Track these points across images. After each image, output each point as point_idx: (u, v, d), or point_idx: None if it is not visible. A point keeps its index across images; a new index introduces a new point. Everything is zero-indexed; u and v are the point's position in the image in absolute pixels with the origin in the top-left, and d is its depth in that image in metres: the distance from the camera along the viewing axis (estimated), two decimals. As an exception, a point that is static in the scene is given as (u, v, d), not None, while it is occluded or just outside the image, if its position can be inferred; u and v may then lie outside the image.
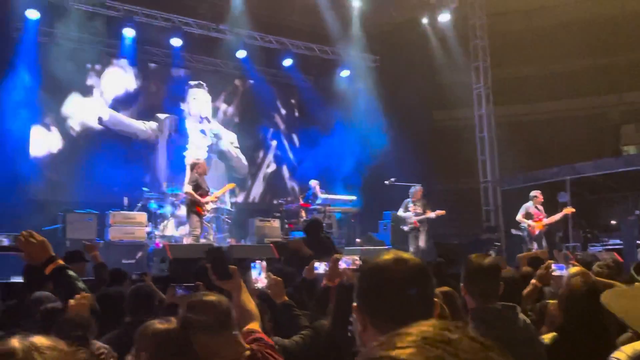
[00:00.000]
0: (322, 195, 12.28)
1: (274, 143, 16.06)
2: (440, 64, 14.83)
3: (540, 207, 11.42)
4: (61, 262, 2.76)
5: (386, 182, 11.60)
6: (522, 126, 16.16)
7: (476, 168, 15.06)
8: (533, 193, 11.52)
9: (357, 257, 3.36)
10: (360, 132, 15.98)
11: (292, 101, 16.47)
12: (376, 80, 15.45)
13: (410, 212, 11.27)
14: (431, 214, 11.17)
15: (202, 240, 9.87)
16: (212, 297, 2.43)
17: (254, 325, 2.65)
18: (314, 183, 12.87)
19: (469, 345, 0.84)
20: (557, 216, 11.32)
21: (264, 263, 3.57)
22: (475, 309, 2.86)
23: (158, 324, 2.24)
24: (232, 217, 12.57)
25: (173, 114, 14.52)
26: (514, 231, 13.65)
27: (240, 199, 15.07)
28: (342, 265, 3.32)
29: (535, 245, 11.05)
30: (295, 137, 16.38)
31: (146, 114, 14.13)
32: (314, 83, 16.12)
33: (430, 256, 9.35)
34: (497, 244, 13.02)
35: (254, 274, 3.52)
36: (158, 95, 14.43)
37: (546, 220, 11.25)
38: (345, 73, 15.86)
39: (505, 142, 14.69)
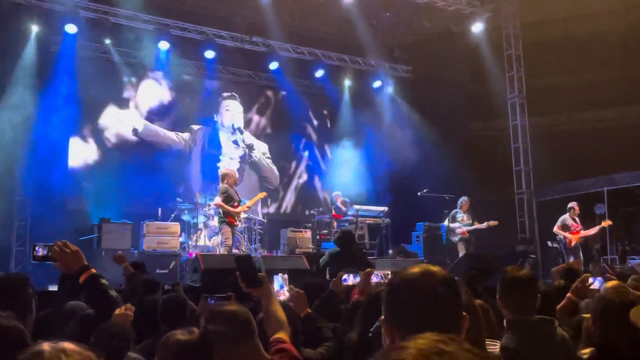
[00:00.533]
0: (354, 206, 12.25)
1: (306, 154, 16.11)
2: (475, 73, 14.70)
3: (577, 219, 11.25)
4: (94, 271, 2.81)
5: (419, 193, 11.53)
6: (558, 136, 15.89)
7: (511, 179, 14.85)
8: (570, 205, 11.37)
9: (389, 272, 3.35)
10: (393, 142, 15.93)
11: (324, 112, 16.51)
12: (409, 90, 15.40)
13: (458, 223, 11.32)
14: (482, 225, 11.21)
15: (235, 251, 9.93)
16: (232, 307, 2.43)
17: (283, 335, 2.65)
18: (336, 194, 12.84)
19: (464, 356, 0.85)
20: (595, 229, 11.16)
21: (286, 276, 3.58)
22: (512, 321, 2.83)
23: (179, 335, 2.25)
24: (264, 227, 12.64)
25: (206, 125, 14.70)
26: (550, 243, 13.41)
27: (272, 209, 15.15)
28: (374, 279, 3.32)
29: (571, 258, 10.88)
30: (327, 148, 16.41)
31: (180, 126, 14.34)
32: (346, 94, 16.14)
33: (462, 268, 9.23)
34: (532, 256, 12.79)
35: (275, 286, 3.53)
36: (192, 106, 14.63)
37: (583, 233, 11.10)
38: (377, 84, 15.84)
39: (540, 153, 14.44)
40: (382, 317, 1.60)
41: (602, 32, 16.56)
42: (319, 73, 15.09)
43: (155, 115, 14.06)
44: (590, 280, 4.08)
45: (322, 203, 15.76)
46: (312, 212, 13.40)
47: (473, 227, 11.33)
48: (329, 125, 16.58)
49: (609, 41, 16.17)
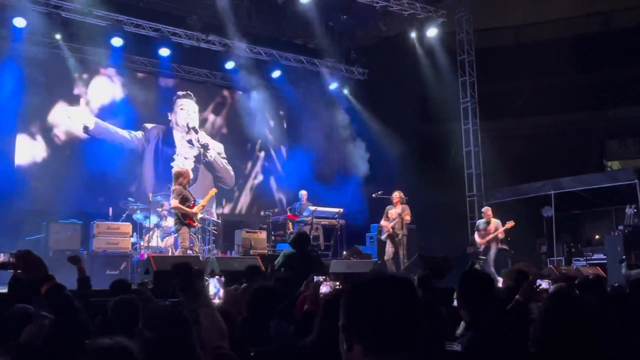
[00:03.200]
0: (309, 207, 12.27)
1: (262, 154, 16.05)
2: (428, 78, 14.93)
3: (495, 222, 11.51)
4: (56, 281, 2.74)
5: (373, 195, 11.61)
6: (508, 141, 16.27)
7: (463, 181, 15.14)
8: (483, 209, 11.76)
9: (337, 283, 3.37)
10: (349, 144, 16.02)
11: (281, 113, 16.48)
12: (365, 93, 15.53)
13: (386, 220, 11.15)
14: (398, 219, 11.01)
15: (188, 252, 9.82)
16: (166, 309, 2.36)
17: (223, 341, 2.64)
18: (303, 193, 12.87)
19: None
20: (499, 231, 11.45)
21: (222, 279, 3.55)
22: (473, 322, 2.89)
23: (101, 341, 2.06)
24: (218, 228, 12.52)
25: (160, 124, 14.48)
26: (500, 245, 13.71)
27: (226, 210, 15.03)
28: (323, 289, 3.33)
29: (490, 266, 11.16)
30: (283, 149, 16.38)
31: (133, 124, 14.08)
32: (303, 95, 16.15)
33: (416, 268, 9.36)
34: (482, 257, 13.04)
35: (211, 290, 3.50)
36: (145, 105, 14.38)
37: (489, 237, 11.47)
38: (333, 86, 15.90)
39: (491, 157, 14.76)
40: (340, 323, 1.60)
41: (552, 40, 17.08)
42: (276, 74, 15.04)
43: (107, 113, 13.76)
44: (538, 282, 4.19)
45: (277, 204, 15.73)
46: (267, 213, 13.37)
47: (395, 222, 10.90)
48: (285, 126, 16.55)
49: (558, 49, 16.70)
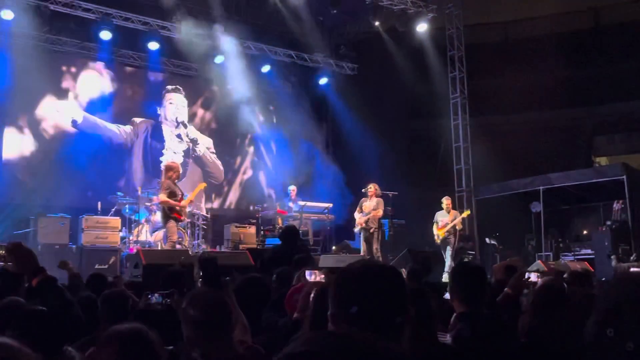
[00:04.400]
0: (299, 202, 12.28)
1: (251, 149, 16.03)
2: (419, 73, 14.96)
3: (454, 213, 11.44)
4: (47, 273, 2.72)
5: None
6: (498, 136, 16.36)
7: (452, 177, 15.20)
8: (442, 199, 11.59)
9: (321, 274, 3.38)
10: (338, 139, 16.04)
11: (270, 107, 16.45)
12: (355, 88, 15.54)
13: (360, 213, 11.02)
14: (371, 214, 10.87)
15: (177, 247, 9.80)
16: (214, 293, 2.46)
17: (245, 336, 2.66)
18: (292, 188, 12.88)
19: None
20: (457, 220, 11.30)
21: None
22: (465, 313, 2.92)
23: (121, 326, 2.14)
24: (207, 223, 12.50)
25: (149, 118, 14.42)
26: (488, 240, 13.81)
27: (215, 204, 15.00)
28: (308, 277, 3.34)
29: (448, 259, 11.02)
30: (272, 144, 16.36)
31: (122, 118, 14.01)
32: (292, 90, 16.13)
33: (406, 263, 9.40)
34: (471, 252, 13.13)
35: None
36: (134, 99, 14.33)
37: (447, 227, 11.20)
38: (323, 80, 15.90)
39: (480, 152, 14.84)
40: (329, 312, 1.61)
41: (541, 36, 17.17)
42: (265, 68, 15.01)
43: (96, 107, 13.67)
44: (527, 275, 4.23)
45: (266, 199, 15.70)
46: (256, 207, 13.37)
47: (368, 216, 10.61)
48: (274, 120, 16.52)
49: (547, 45, 16.78)
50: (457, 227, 11.27)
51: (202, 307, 2.39)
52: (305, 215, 12.27)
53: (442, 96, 15.30)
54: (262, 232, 12.25)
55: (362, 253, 10.75)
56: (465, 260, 10.65)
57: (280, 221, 12.35)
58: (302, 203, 12.18)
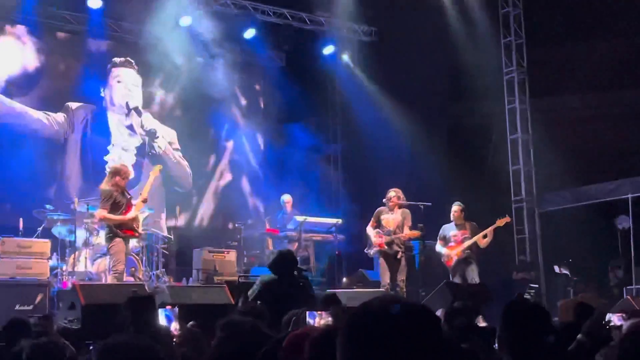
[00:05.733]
0: (296, 217, 12.29)
1: (230, 144, 16.04)
2: (460, 40, 14.95)
3: (470, 226, 11.28)
4: None
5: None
6: (569, 124, 16.33)
7: (507, 181, 15.18)
8: (453, 207, 11.40)
9: (329, 318, 3.40)
10: (350, 130, 16.02)
11: (256, 87, 16.47)
12: (372, 60, 15.53)
13: (375, 230, 10.90)
14: (403, 234, 10.75)
15: (128, 279, 9.81)
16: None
17: None
18: (287, 199, 12.87)
19: None
20: (487, 232, 11.11)
21: (176, 309, 3.61)
22: None
23: None
24: (170, 246, 12.51)
25: (89, 103, 14.45)
26: (557, 269, 13.78)
27: (181, 221, 15.00)
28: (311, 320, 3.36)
29: (456, 280, 10.92)
30: (259, 137, 16.37)
31: (51, 103, 14.05)
32: (287, 63, 16.14)
33: (442, 301, 9.41)
34: (533, 285, 13.11)
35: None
36: (68, 76, 14.36)
37: (466, 243, 11.01)
38: (329, 50, 15.90)
39: (545, 147, 14.81)
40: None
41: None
42: (249, 33, 15.04)
43: (16, 87, 13.72)
44: (609, 317, 4.24)
45: (251, 213, 15.72)
46: (237, 225, 13.36)
47: (393, 236, 10.60)
48: (262, 105, 16.54)
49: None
50: (480, 244, 11.17)
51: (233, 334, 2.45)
52: (306, 236, 12.25)
53: (492, 70, 15.29)
54: (245, 258, 12.24)
55: (383, 286, 10.74)
56: (526, 296, 10.65)
57: (270, 244, 12.34)
58: (300, 218, 12.18)
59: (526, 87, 15.19)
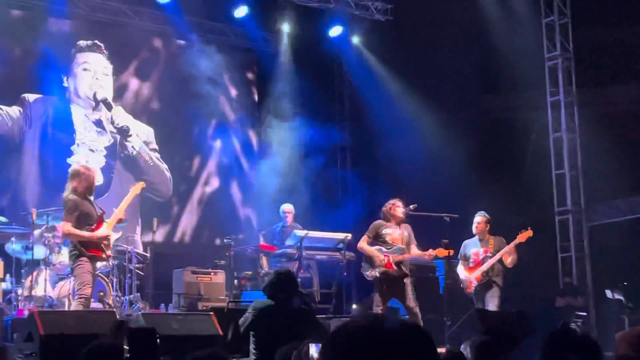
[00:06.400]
0: (296, 232, 12.30)
1: (218, 144, 16.07)
2: (493, 20, 14.97)
3: (497, 241, 11.21)
4: None
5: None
6: (625, 121, 16.33)
7: (549, 189, 15.19)
8: (476, 218, 11.22)
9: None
10: (360, 127, 16.03)
11: (249, 75, 16.50)
12: (388, 43, 15.56)
13: (379, 245, 10.85)
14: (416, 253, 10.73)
15: (95, 305, 9.83)
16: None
17: None
18: (288, 208, 12.89)
19: None
20: (506, 251, 11.05)
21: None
22: None
23: None
24: (146, 267, 12.53)
25: (50, 95, 14.49)
26: (609, 293, 13.76)
27: (160, 236, 15.02)
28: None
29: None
30: (252, 134, 16.40)
31: (4, 95, 14.09)
32: (286, 46, 16.17)
33: (471, 332, 9.43)
34: (581, 313, 13.11)
35: None
36: (25, 62, 14.39)
37: (487, 264, 10.91)
38: (336, 31, 15.93)
39: (596, 148, 14.81)
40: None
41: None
42: (241, 11, 15.07)
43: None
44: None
45: (243, 226, 15.74)
46: (226, 241, 13.39)
47: (399, 254, 10.46)
48: (255, 97, 16.57)
49: None
50: (506, 263, 11.12)
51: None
52: (308, 253, 12.26)
53: (532, 56, 15.30)
54: (236, 280, 12.26)
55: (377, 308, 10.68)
56: (572, 326, 10.64)
57: (265, 263, 12.35)
58: (301, 233, 12.19)
59: (572, 76, 15.18)
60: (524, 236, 11.11)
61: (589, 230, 14.80)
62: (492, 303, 10.77)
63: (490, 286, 10.89)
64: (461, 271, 11.18)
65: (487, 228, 11.21)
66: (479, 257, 11.02)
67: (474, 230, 11.22)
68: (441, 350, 6.40)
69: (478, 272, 10.88)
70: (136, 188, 10.43)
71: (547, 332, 3.57)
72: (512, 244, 11.01)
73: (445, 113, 14.78)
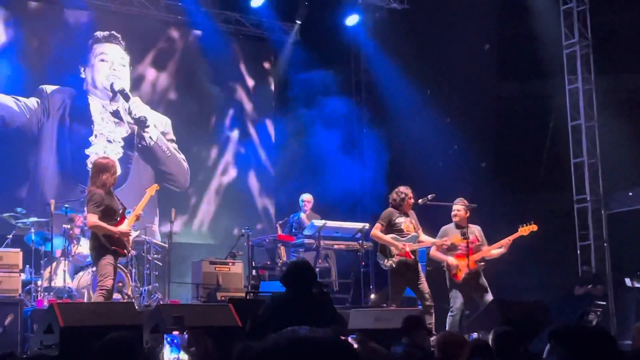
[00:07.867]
0: (315, 222, 12.29)
1: (235, 134, 16.08)
2: (509, 6, 14.89)
3: (475, 230, 11.09)
4: None
5: (420, 201, 11.60)
6: (643, 108, 16.26)
7: (567, 176, 15.13)
8: (455, 204, 10.95)
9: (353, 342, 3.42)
10: (377, 117, 16.01)
11: (266, 65, 16.48)
12: (405, 32, 15.51)
13: (393, 234, 10.81)
14: (426, 241, 10.71)
15: (116, 296, 9.85)
16: None
17: None
18: (307, 198, 12.88)
19: None
20: (504, 243, 10.89)
21: (185, 335, 3.61)
22: None
23: None
24: (163, 257, 12.55)
25: (67, 86, 14.52)
26: (629, 282, 13.70)
27: (177, 226, 15.03)
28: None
29: (457, 302, 10.73)
30: (269, 125, 16.38)
31: (22, 86, 14.12)
32: (302, 36, 16.15)
33: (489, 322, 9.39)
34: (600, 303, 13.04)
35: (166, 354, 3.54)
36: (42, 53, 14.42)
37: (480, 253, 10.72)
38: (353, 20, 15.89)
39: (615, 135, 14.74)
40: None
41: None
42: (257, 1, 15.05)
43: (-20, 67, 13.85)
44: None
45: (261, 216, 15.75)
46: (244, 231, 13.40)
47: (418, 244, 10.55)
48: (272, 87, 16.56)
49: None
50: (492, 254, 10.96)
51: None
52: (326, 243, 12.24)
53: (549, 43, 15.23)
54: (254, 271, 12.27)
55: (394, 300, 10.66)
56: (591, 316, 10.59)
57: (284, 253, 12.36)
58: (319, 223, 12.18)
59: (591, 63, 15.09)
60: (526, 230, 10.86)
61: (607, 218, 14.72)
62: (486, 292, 10.68)
63: (480, 274, 10.83)
64: (440, 255, 10.90)
65: (467, 215, 11.06)
66: (471, 245, 10.75)
67: (454, 218, 10.98)
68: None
69: (472, 260, 10.63)
70: (151, 190, 10.43)
71: (567, 322, 3.54)
72: (512, 237, 10.86)
73: (461, 100, 14.75)
